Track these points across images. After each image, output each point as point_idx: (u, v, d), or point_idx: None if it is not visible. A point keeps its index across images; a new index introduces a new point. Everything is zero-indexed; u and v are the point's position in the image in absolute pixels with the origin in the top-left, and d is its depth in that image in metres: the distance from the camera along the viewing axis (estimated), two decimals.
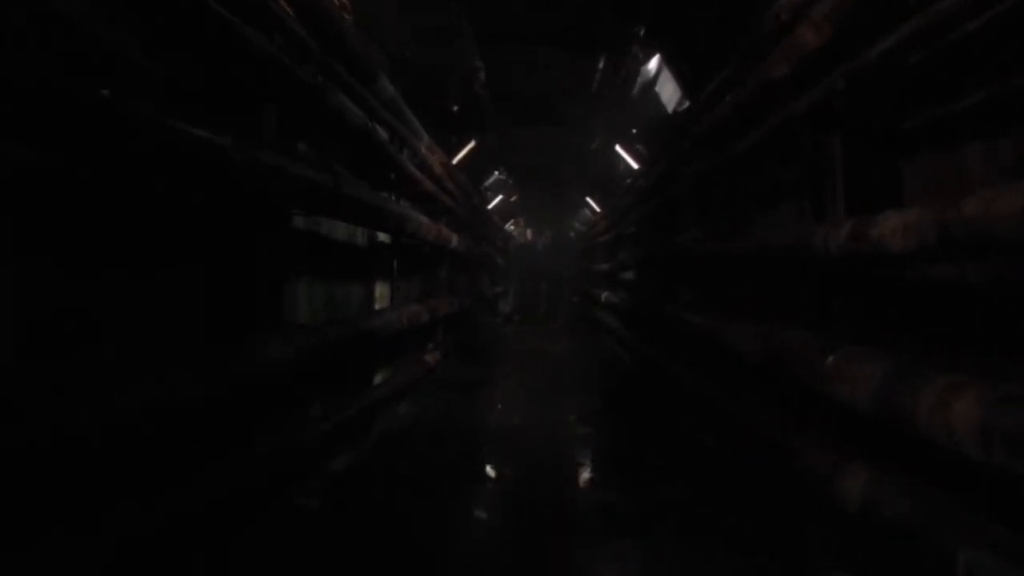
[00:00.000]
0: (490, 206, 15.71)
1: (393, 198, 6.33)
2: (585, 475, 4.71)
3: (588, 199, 16.06)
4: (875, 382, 2.23)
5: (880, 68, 2.29)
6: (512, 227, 20.94)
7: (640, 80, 6.54)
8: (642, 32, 4.89)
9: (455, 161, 9.14)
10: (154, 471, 2.17)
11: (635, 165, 9.02)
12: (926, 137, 2.87)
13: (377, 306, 6.42)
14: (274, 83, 3.02)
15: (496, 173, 12.85)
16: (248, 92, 3.01)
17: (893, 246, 2.15)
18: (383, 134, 5.45)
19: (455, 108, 8.78)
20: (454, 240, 7.76)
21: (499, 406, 7.05)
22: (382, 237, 6.37)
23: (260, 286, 3.01)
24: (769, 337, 3.23)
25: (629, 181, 9.22)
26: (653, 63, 6.23)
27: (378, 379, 6.38)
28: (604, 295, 11.98)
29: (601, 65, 6.30)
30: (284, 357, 2.70)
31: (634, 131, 8.68)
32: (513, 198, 17.26)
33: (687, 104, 5.85)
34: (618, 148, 9.06)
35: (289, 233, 3.73)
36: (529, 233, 20.92)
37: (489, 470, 4.74)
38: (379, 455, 4.86)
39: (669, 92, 6.31)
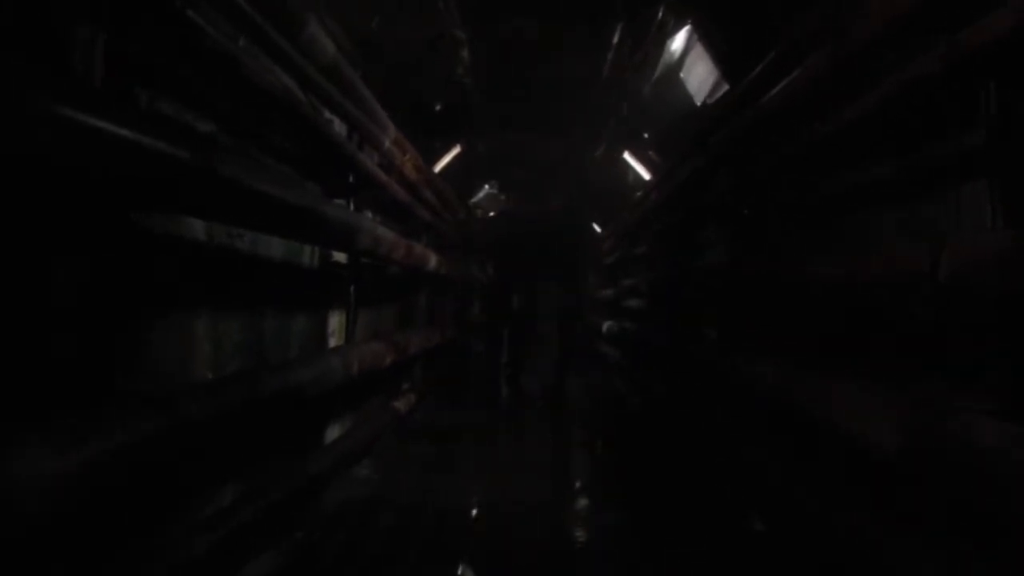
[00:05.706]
0: None
1: (352, 207, 5.01)
2: None
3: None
4: None
5: None
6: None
7: (663, 62, 5.27)
8: None
9: (437, 170, 7.86)
10: None
11: (647, 176, 7.75)
12: None
13: (333, 342, 5.08)
14: None
15: (487, 187, 11.51)
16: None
17: None
18: (327, 115, 4.14)
19: (437, 107, 7.51)
20: (432, 261, 6.42)
21: (484, 466, 5.68)
22: (337, 256, 5.03)
23: (37, 334, 1.67)
24: (929, 430, 1.91)
25: (639, 194, 7.95)
26: (679, 41, 4.97)
27: (335, 432, 5.03)
28: (606, 324, 10.74)
29: (616, 39, 5.04)
30: (40, 485, 1.36)
31: (646, 136, 7.40)
32: None
33: (726, 89, 4.58)
34: (627, 156, 7.78)
35: (148, 242, 2.39)
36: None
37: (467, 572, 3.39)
38: (321, 550, 3.49)
39: (700, 77, 5.03)
